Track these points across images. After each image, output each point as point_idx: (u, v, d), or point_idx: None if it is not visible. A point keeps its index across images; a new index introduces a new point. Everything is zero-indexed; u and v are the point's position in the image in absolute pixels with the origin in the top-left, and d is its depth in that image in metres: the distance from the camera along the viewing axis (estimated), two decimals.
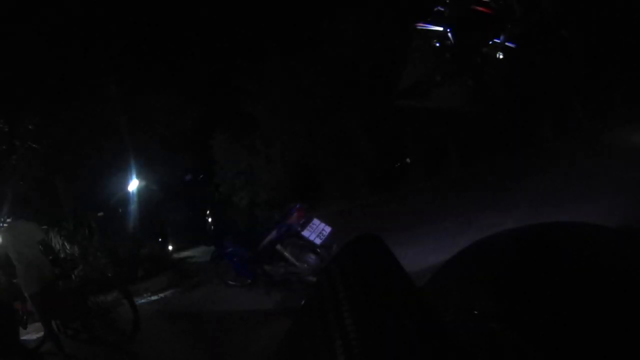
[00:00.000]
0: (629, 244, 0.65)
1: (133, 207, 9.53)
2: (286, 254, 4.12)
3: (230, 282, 5.39)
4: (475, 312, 0.59)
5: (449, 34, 2.98)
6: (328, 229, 4.11)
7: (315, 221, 4.18)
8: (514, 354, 0.52)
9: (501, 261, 0.66)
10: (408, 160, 13.49)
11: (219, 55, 13.29)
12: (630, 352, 0.45)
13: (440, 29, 3.00)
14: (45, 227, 6.55)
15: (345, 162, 12.87)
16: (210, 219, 14.76)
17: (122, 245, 8.64)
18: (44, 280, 3.97)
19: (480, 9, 2.93)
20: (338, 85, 12.19)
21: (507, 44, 2.96)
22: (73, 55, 9.09)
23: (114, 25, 10.06)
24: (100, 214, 8.85)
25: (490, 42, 2.98)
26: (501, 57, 2.95)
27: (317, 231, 4.08)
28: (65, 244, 7.96)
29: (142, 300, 6.57)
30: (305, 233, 4.06)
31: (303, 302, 0.57)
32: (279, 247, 4.17)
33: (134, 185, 9.63)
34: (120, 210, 9.63)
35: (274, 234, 4.27)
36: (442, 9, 3.00)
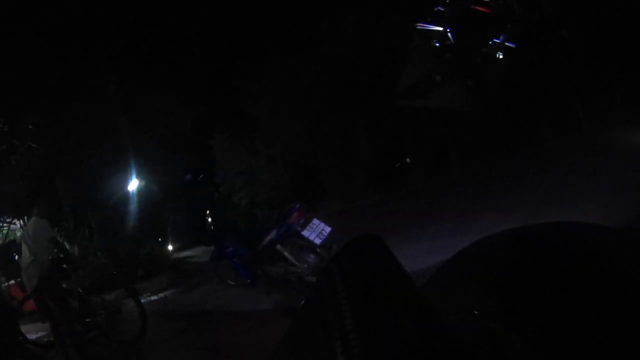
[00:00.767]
0: (629, 244, 0.65)
1: (133, 207, 9.53)
2: (286, 254, 4.12)
3: (230, 282, 5.39)
4: (475, 312, 0.59)
5: (449, 34, 2.98)
6: (328, 229, 4.12)
7: (315, 221, 4.18)
8: (514, 354, 0.52)
9: (501, 261, 0.66)
10: (408, 160, 13.49)
11: (219, 55, 13.29)
12: (630, 352, 0.45)
13: (440, 29, 3.01)
14: None
15: (345, 162, 12.87)
16: (210, 219, 14.78)
17: (122, 245, 8.64)
18: (42, 277, 3.98)
19: (480, 9, 2.93)
20: (338, 85, 12.18)
21: (507, 44, 2.96)
22: (73, 55, 9.08)
23: (114, 25, 10.05)
24: (100, 214, 8.84)
25: (490, 42, 2.99)
26: (501, 57, 2.96)
27: (317, 231, 4.08)
28: (65, 243, 7.96)
29: (142, 300, 6.56)
30: (305, 233, 4.07)
31: (303, 302, 0.57)
32: (279, 247, 4.18)
33: (134, 185, 9.64)
34: (120, 210, 9.62)
35: (274, 234, 4.27)
36: (442, 9, 3.01)
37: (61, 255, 4.29)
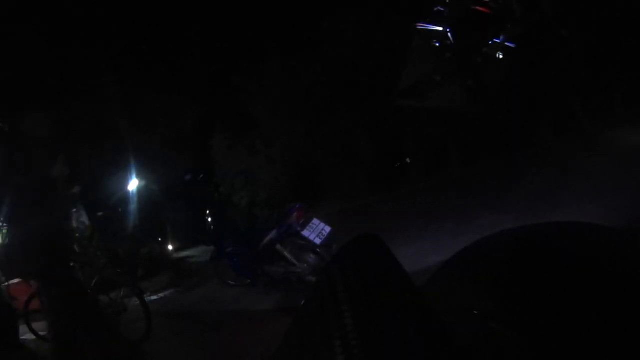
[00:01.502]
0: (629, 244, 0.65)
1: (133, 207, 9.53)
2: (286, 254, 4.12)
3: (230, 282, 5.39)
4: (475, 312, 0.59)
5: (449, 34, 2.98)
6: (328, 229, 4.12)
7: (315, 221, 4.18)
8: (514, 354, 0.52)
9: (501, 261, 0.66)
10: (408, 160, 13.49)
11: (219, 55, 13.29)
12: (630, 352, 0.45)
13: (440, 29, 3.00)
14: None
15: (345, 162, 12.86)
16: (210, 219, 14.76)
17: (122, 245, 8.64)
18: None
19: (480, 9, 2.93)
20: (338, 85, 12.18)
21: (507, 44, 2.96)
22: (73, 55, 9.08)
23: (114, 25, 10.06)
24: (100, 214, 8.83)
25: (490, 42, 2.98)
26: (501, 57, 2.95)
27: (317, 231, 4.08)
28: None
29: (137, 302, 6.56)
30: (305, 233, 4.06)
31: (303, 302, 0.57)
32: (279, 247, 4.18)
33: (134, 185, 9.63)
34: (120, 210, 9.62)
35: (274, 234, 4.27)
36: (442, 9, 3.00)
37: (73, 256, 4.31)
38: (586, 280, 0.55)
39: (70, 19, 8.78)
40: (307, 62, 12.48)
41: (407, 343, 0.40)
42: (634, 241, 0.67)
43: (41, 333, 4.86)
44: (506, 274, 0.62)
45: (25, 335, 5.13)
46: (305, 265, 4.04)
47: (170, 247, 11.92)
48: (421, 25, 3.05)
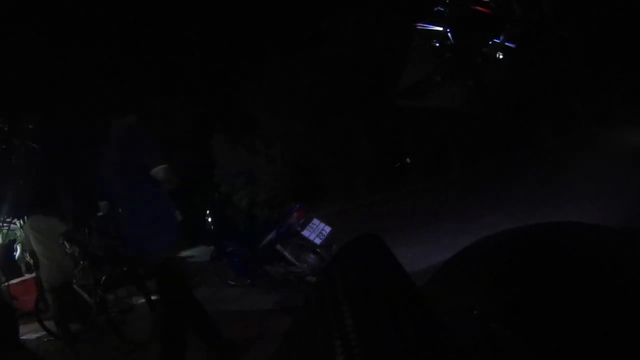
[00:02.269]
0: (629, 244, 0.65)
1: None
2: (286, 254, 4.11)
3: (230, 282, 5.38)
4: (475, 312, 0.59)
5: (449, 34, 2.98)
6: (328, 229, 4.11)
7: (315, 221, 4.17)
8: (514, 354, 0.52)
9: (501, 261, 0.66)
10: (408, 160, 13.49)
11: (219, 55, 13.30)
12: (630, 352, 0.45)
13: (440, 29, 3.00)
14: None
15: (345, 162, 12.87)
16: (210, 219, 14.76)
17: (122, 245, 8.62)
18: (64, 276, 4.03)
19: (480, 9, 2.93)
20: (338, 85, 12.19)
21: (507, 44, 2.96)
22: (73, 55, 9.09)
23: (114, 25, 10.06)
24: (100, 214, 8.82)
25: (490, 42, 2.98)
26: (501, 57, 2.95)
27: (317, 231, 4.07)
28: (65, 243, 7.96)
29: (142, 300, 6.55)
30: (305, 233, 4.06)
31: (303, 302, 0.57)
32: (278, 247, 4.17)
33: None
34: (119, 210, 9.61)
35: (273, 234, 4.27)
36: (442, 9, 3.00)
37: (76, 253, 4.32)
38: (586, 280, 0.55)
39: (71, 19, 8.78)
40: (307, 62, 12.48)
41: (407, 343, 0.40)
42: (634, 241, 0.67)
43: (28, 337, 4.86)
44: (506, 274, 0.62)
45: (26, 335, 5.13)
46: (305, 265, 4.04)
47: None
48: (421, 25, 3.05)
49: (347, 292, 0.48)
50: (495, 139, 10.37)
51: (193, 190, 15.02)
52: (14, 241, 8.90)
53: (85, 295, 4.24)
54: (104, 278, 4.31)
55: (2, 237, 8.68)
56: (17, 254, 8.58)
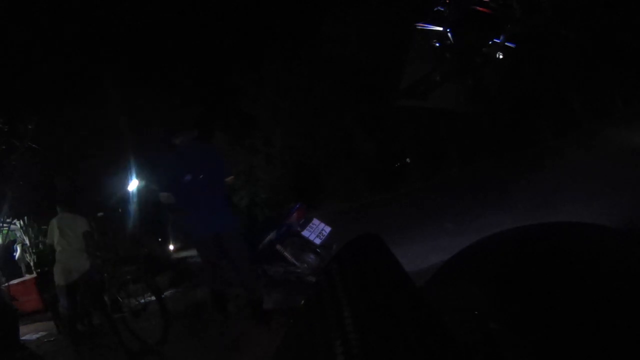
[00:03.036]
0: (629, 244, 0.65)
1: (133, 207, 9.51)
2: (286, 254, 4.11)
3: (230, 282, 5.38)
4: (475, 312, 0.59)
5: (449, 34, 2.98)
6: (328, 229, 4.11)
7: (315, 221, 4.17)
8: (514, 354, 0.52)
9: (501, 261, 0.66)
10: (408, 160, 13.49)
11: (220, 55, 13.29)
12: (630, 352, 0.45)
13: (440, 29, 3.00)
14: (45, 227, 6.55)
15: (345, 162, 12.87)
16: None
17: (122, 245, 8.63)
18: (78, 274, 4.04)
19: (480, 9, 2.93)
20: (338, 85, 12.19)
21: (507, 44, 2.96)
22: (73, 55, 9.09)
23: (114, 26, 10.06)
24: (100, 214, 8.83)
25: (490, 42, 2.98)
26: (501, 57, 2.95)
27: (317, 231, 4.08)
28: (87, 241, 7.97)
29: (142, 300, 6.56)
30: (305, 233, 4.06)
31: (303, 302, 0.57)
32: (279, 247, 4.17)
33: (134, 185, 9.62)
34: (120, 210, 9.61)
35: (273, 234, 4.27)
36: (442, 9, 3.00)
37: (98, 253, 4.36)
38: (586, 280, 0.55)
39: (71, 19, 8.78)
40: (307, 62, 12.48)
41: (407, 343, 0.40)
42: (634, 241, 0.67)
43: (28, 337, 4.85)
44: (506, 274, 0.62)
45: (26, 335, 5.13)
46: (305, 265, 4.04)
47: (170, 247, 11.91)
48: (421, 25, 3.05)
49: (347, 292, 0.48)
50: (495, 139, 10.36)
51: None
52: (14, 241, 8.89)
53: (102, 294, 4.26)
54: (118, 277, 4.32)
55: (2, 237, 8.68)
56: (17, 254, 8.58)
